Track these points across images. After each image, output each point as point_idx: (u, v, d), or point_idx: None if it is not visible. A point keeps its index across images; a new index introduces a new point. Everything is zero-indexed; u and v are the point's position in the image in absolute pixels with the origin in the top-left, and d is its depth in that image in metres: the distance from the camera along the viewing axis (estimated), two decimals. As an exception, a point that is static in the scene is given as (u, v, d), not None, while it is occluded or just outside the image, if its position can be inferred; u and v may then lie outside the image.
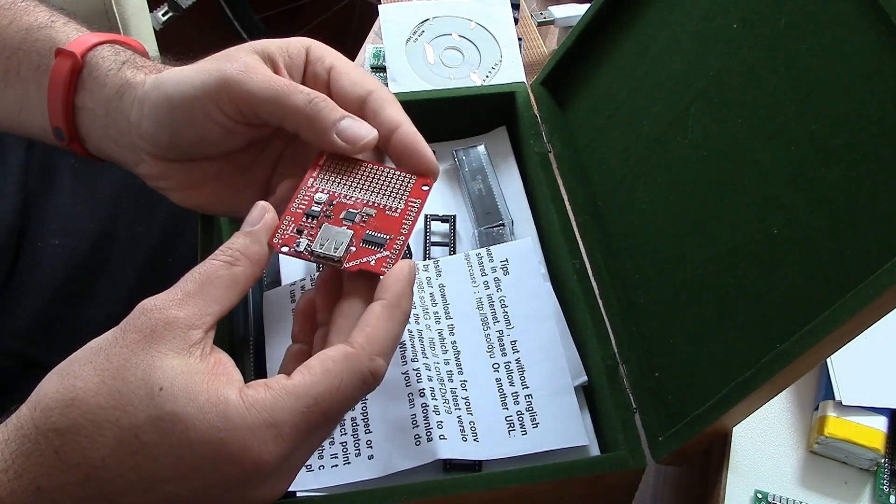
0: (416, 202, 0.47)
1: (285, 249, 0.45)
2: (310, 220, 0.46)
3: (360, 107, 0.50)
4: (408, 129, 0.49)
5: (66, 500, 0.38)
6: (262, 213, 0.45)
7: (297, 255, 0.45)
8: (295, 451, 0.40)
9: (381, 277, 0.44)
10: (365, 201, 0.47)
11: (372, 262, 0.45)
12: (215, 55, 0.50)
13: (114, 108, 0.51)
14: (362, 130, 0.48)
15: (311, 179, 0.48)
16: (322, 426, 0.41)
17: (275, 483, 0.41)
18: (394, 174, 0.48)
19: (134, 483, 0.38)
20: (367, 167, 0.49)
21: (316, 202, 0.47)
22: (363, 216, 0.46)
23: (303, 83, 0.51)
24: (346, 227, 0.46)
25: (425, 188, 0.48)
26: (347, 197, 0.47)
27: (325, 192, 0.47)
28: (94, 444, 0.38)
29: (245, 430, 0.38)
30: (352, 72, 0.51)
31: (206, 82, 0.48)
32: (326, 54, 0.52)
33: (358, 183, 0.48)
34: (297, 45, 0.51)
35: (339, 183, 0.48)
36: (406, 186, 0.48)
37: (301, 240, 0.45)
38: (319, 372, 0.40)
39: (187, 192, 0.53)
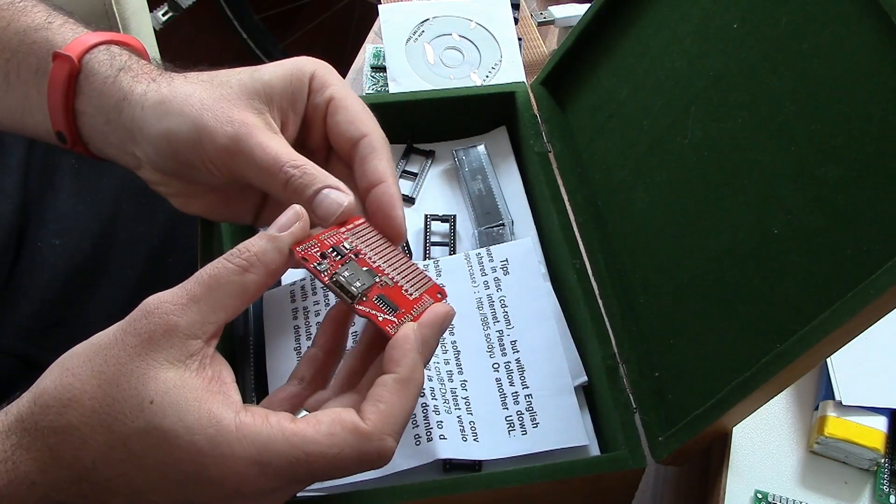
0: (429, 301, 0.47)
1: (305, 262, 0.44)
2: (334, 255, 0.45)
3: (351, 147, 0.50)
4: (386, 190, 0.49)
5: (60, 496, 0.38)
6: (295, 219, 0.44)
7: (315, 272, 0.43)
8: (277, 490, 0.40)
9: (390, 347, 0.43)
10: (386, 272, 0.47)
11: (380, 318, 0.44)
12: (218, 91, 0.49)
13: (113, 118, 0.51)
14: (332, 207, 0.47)
15: (345, 229, 0.47)
16: (310, 482, 0.41)
17: None
18: (417, 272, 0.48)
19: (122, 489, 0.38)
20: (395, 249, 0.49)
21: (344, 246, 0.46)
22: (382, 282, 0.46)
23: (304, 114, 0.51)
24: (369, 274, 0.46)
25: (439, 296, 0.48)
26: (371, 259, 0.47)
27: (353, 244, 0.47)
28: (86, 445, 0.38)
29: (230, 459, 0.38)
30: (350, 108, 0.50)
31: (200, 140, 0.47)
32: (329, 83, 0.51)
33: (384, 257, 0.48)
34: (301, 77, 0.50)
35: (367, 244, 0.48)
36: (425, 284, 0.48)
37: (323, 262, 0.44)
38: (324, 431, 0.39)
39: (187, 199, 0.53)
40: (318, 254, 0.45)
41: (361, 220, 0.49)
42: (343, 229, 0.47)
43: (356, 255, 0.46)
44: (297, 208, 0.44)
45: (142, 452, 0.38)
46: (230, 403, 0.39)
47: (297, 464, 0.39)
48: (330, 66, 0.52)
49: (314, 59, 0.52)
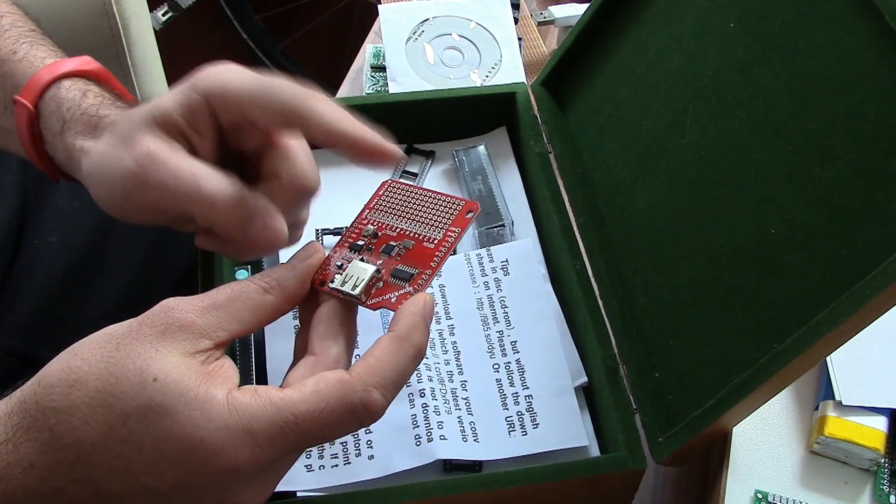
0: (455, 231, 0.46)
1: (321, 286, 0.45)
2: (351, 254, 0.46)
3: (285, 123, 0.45)
4: (339, 126, 0.44)
5: (56, 480, 0.39)
6: (312, 252, 0.45)
7: (328, 291, 0.45)
8: (274, 463, 0.40)
9: (397, 311, 0.43)
10: (407, 232, 0.47)
11: (392, 299, 0.44)
12: (122, 130, 0.46)
13: (70, 172, 0.50)
14: (271, 237, 0.44)
15: (367, 211, 0.48)
16: (303, 446, 0.40)
17: (256, 490, 0.41)
18: (444, 199, 0.47)
19: (119, 472, 0.38)
20: (421, 193, 0.48)
21: (363, 235, 0.47)
22: (400, 249, 0.46)
23: (223, 128, 0.47)
24: (378, 262, 0.46)
25: (469, 215, 0.47)
26: (393, 228, 0.47)
27: (375, 223, 0.48)
28: (87, 425, 0.38)
29: (223, 432, 0.38)
30: (257, 97, 0.45)
31: (119, 182, 0.45)
32: (229, 93, 0.45)
33: (408, 211, 0.48)
34: (196, 97, 0.45)
35: (390, 212, 0.48)
36: (452, 213, 0.47)
37: (337, 276, 0.45)
38: (309, 391, 0.40)
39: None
40: (336, 265, 0.46)
41: (385, 187, 0.49)
42: (366, 212, 0.48)
43: (376, 236, 0.47)
44: (313, 244, 0.46)
45: (141, 431, 0.38)
46: (226, 383, 0.40)
47: (287, 427, 0.39)
48: (226, 69, 0.46)
49: (207, 72, 0.46)
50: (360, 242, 0.47)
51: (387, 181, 0.49)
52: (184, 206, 0.44)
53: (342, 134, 0.45)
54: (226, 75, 0.46)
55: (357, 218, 0.48)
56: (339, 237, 0.48)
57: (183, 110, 0.46)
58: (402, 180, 0.49)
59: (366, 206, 0.48)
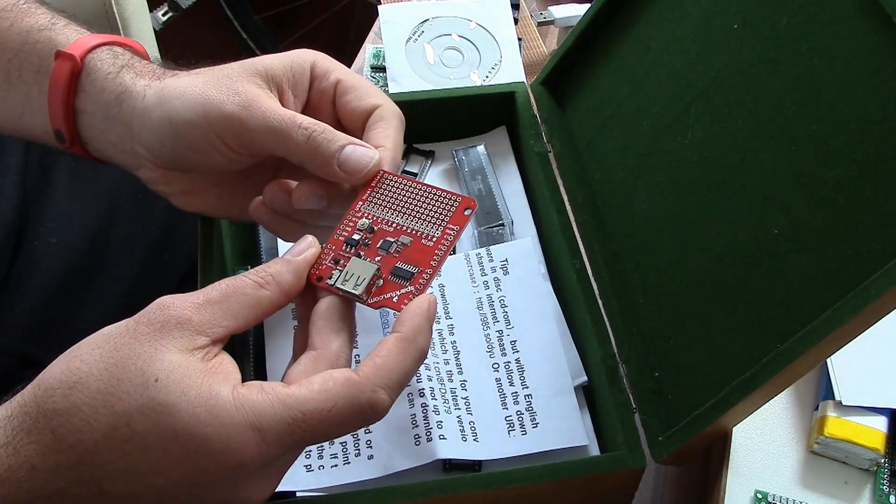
0: (453, 229, 0.46)
1: (319, 282, 0.45)
2: (348, 249, 0.46)
3: (363, 121, 0.51)
4: (384, 155, 0.49)
5: (58, 482, 0.38)
6: (307, 247, 0.46)
7: (328, 288, 0.45)
8: (279, 459, 0.40)
9: (402, 312, 0.43)
10: (404, 228, 0.47)
11: (394, 299, 0.44)
12: (219, 73, 0.50)
13: (113, 114, 0.51)
14: (363, 160, 0.48)
15: (360, 203, 0.48)
16: (309, 443, 0.41)
17: (261, 485, 0.41)
18: (441, 195, 0.47)
19: (123, 472, 0.38)
20: (417, 187, 0.48)
21: (358, 229, 0.47)
22: (399, 245, 0.46)
23: (308, 100, 0.52)
24: (376, 259, 0.46)
25: (467, 212, 0.47)
26: (389, 223, 0.47)
27: (370, 216, 0.47)
28: (89, 427, 0.38)
29: (230, 429, 0.38)
30: (358, 86, 0.51)
31: (207, 115, 0.48)
32: (332, 69, 0.52)
33: (403, 205, 0.48)
34: (301, 63, 0.51)
35: (385, 206, 0.48)
36: (449, 210, 0.47)
37: (335, 271, 0.45)
38: (317, 389, 0.40)
39: (189, 198, 0.53)
40: (332, 261, 0.46)
41: (377, 179, 0.49)
42: (359, 203, 0.48)
43: (372, 231, 0.47)
44: (309, 238, 0.46)
45: (144, 431, 0.38)
46: (229, 380, 0.40)
47: (295, 424, 0.39)
48: (328, 56, 0.53)
49: (313, 50, 0.53)
50: (356, 237, 0.47)
51: (379, 172, 0.49)
52: (277, 145, 0.48)
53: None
54: (334, 61, 0.53)
55: (350, 210, 0.48)
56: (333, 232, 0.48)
57: (286, 70, 0.51)
58: (394, 173, 0.49)
59: (358, 198, 0.48)
